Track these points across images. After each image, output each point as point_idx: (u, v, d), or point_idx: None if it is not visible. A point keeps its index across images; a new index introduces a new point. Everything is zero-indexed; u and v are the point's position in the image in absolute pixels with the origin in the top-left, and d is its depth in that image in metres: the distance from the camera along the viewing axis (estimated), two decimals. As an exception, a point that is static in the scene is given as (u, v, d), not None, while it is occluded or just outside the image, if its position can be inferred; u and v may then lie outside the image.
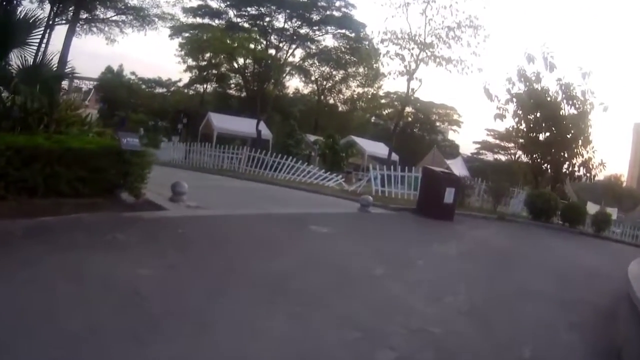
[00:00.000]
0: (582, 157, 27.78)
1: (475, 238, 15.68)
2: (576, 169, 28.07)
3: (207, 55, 51.70)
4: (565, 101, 27.49)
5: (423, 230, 16.01)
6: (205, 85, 57.11)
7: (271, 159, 27.60)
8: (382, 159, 41.98)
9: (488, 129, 75.17)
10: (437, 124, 78.55)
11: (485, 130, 78.36)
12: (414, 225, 16.66)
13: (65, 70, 14.31)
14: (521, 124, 28.62)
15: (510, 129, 29.04)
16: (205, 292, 6.26)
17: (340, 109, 60.78)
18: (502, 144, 72.82)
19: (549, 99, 27.74)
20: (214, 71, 58.22)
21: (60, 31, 43.86)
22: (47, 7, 15.47)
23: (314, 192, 22.40)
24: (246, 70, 57.65)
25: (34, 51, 11.84)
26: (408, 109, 76.95)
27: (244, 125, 39.79)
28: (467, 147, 79.96)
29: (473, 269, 10.48)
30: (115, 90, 60.14)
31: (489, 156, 75.92)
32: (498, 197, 24.86)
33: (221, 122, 42.41)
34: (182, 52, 51.63)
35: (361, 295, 7.23)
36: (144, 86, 64.48)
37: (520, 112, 28.31)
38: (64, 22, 17.48)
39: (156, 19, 40.53)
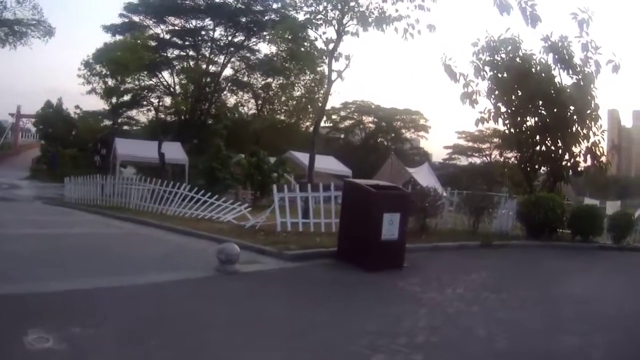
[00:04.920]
0: (588, 140, 19.68)
1: (442, 315, 7.33)
2: (580, 158, 19.92)
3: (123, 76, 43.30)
4: (559, 66, 19.32)
5: (332, 312, 7.39)
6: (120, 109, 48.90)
7: (161, 189, 20.73)
8: (337, 174, 34.32)
9: (459, 131, 68.40)
10: (403, 131, 70.69)
11: (456, 133, 71.36)
12: (316, 300, 8.10)
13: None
14: (500, 107, 20.36)
15: (486, 113, 20.54)
16: None
17: (284, 122, 52.25)
18: (477, 146, 65.79)
19: (534, 68, 19.68)
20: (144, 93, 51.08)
21: None
22: None
23: (186, 234, 14.61)
24: (172, 89, 50.19)
25: None
26: (368, 118, 69.82)
27: (152, 151, 31.17)
28: (440, 154, 72.87)
29: None
30: (55, 126, 55.46)
31: (463, 161, 68.67)
32: (478, 212, 16.59)
33: (125, 148, 34.31)
34: (85, 72, 43.03)
35: None
36: (91, 120, 56.29)
37: (497, 91, 20.12)
38: None
39: (24, 29, 33.46)
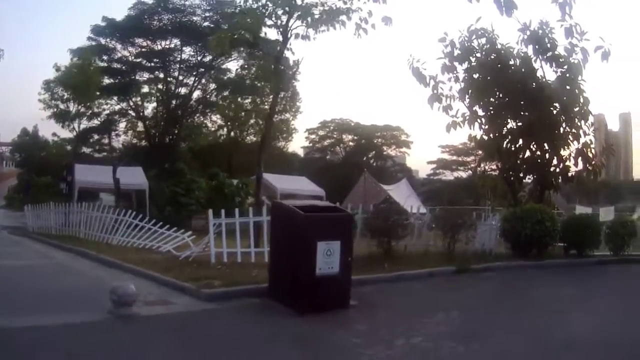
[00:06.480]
0: (578, 141, 17.41)
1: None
2: (571, 162, 17.65)
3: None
4: (540, 58, 17.11)
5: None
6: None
7: (107, 216, 19.18)
8: (310, 195, 32.20)
9: (442, 145, 66.81)
10: (384, 148, 68.80)
11: (439, 147, 69.80)
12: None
13: None
14: (477, 110, 18.14)
15: (459, 117, 18.27)
16: None
17: (254, 142, 50.16)
18: (461, 159, 64.17)
19: (512, 62, 17.57)
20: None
21: None
22: None
23: (114, 266, 12.79)
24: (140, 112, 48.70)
25: None
26: (348, 137, 67.90)
27: (110, 176, 28.82)
28: (426, 170, 71.57)
29: None
30: (30, 153, 55.28)
31: (449, 175, 67.10)
32: (454, 230, 14.18)
33: (83, 174, 31.72)
34: (46, 96, 41.34)
35: None
36: (69, 146, 54.25)
37: (472, 91, 17.92)
38: None
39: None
